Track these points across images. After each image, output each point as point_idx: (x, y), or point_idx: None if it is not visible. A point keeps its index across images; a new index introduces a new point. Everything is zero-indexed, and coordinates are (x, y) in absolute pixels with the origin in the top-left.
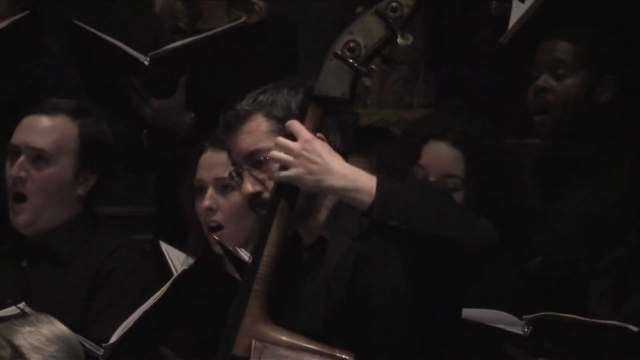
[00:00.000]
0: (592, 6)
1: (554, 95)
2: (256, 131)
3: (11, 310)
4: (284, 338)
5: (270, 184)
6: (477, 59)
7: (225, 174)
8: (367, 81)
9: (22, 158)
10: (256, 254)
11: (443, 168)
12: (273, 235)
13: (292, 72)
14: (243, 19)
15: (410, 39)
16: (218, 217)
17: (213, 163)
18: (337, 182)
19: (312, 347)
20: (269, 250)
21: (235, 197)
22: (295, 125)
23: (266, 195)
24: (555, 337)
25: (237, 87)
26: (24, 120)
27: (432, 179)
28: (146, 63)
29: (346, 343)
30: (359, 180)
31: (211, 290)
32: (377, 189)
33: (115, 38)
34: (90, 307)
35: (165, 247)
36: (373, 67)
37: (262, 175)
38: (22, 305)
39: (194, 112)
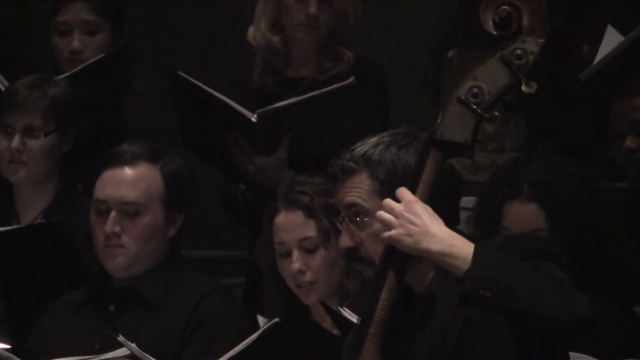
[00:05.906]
0: None
1: None
2: (358, 188)
3: (121, 351)
4: None
5: (366, 240)
6: (568, 102)
7: (307, 234)
8: (488, 127)
9: (113, 214)
10: (373, 298)
11: (526, 226)
12: (390, 278)
13: (383, 119)
14: (352, 79)
15: (535, 86)
16: (308, 277)
17: (292, 225)
18: (434, 245)
19: None
20: (386, 294)
21: (321, 254)
22: (401, 190)
23: (362, 252)
24: None
25: (334, 142)
26: (105, 175)
27: None
28: (253, 120)
29: None
30: (456, 245)
31: (301, 341)
32: (473, 257)
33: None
34: (183, 355)
35: None
36: (496, 113)
37: (359, 233)
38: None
39: (293, 168)
